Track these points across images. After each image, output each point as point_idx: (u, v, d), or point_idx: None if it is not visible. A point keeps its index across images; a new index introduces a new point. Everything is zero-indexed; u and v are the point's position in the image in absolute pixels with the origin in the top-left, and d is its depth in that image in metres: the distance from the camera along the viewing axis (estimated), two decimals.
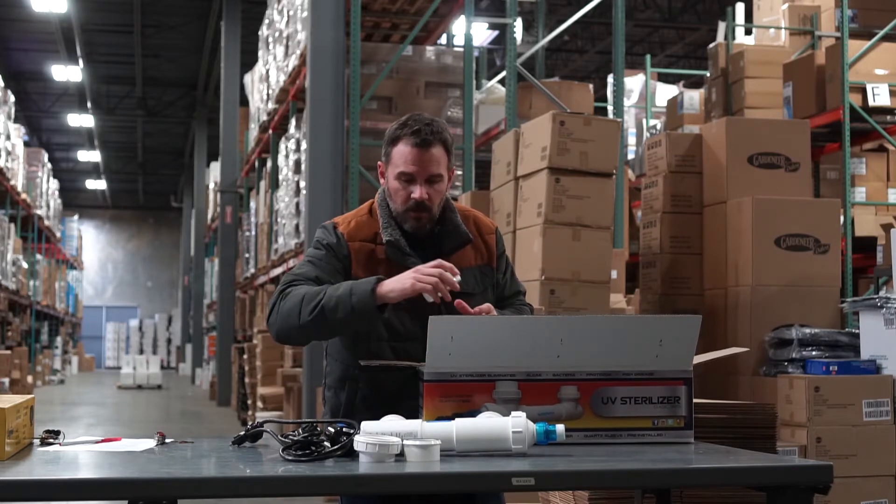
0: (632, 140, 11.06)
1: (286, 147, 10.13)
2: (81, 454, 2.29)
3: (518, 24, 8.54)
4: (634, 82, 11.58)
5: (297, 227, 9.36)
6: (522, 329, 2.49)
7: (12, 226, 16.72)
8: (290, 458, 2.15)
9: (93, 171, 31.39)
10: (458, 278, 2.46)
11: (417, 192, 2.72)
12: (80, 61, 19.73)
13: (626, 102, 10.99)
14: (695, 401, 2.56)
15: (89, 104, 22.81)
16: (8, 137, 15.56)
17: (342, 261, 2.75)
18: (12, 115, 16.26)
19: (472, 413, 2.37)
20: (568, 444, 2.32)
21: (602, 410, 2.44)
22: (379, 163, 2.86)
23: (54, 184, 23.71)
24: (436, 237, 2.80)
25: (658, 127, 10.74)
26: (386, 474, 2.08)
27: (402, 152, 2.75)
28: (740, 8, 10.12)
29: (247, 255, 14.68)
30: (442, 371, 2.40)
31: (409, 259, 2.74)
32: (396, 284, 2.55)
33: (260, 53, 12.62)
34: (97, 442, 2.44)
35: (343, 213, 8.71)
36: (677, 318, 2.61)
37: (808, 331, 4.77)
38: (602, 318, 2.73)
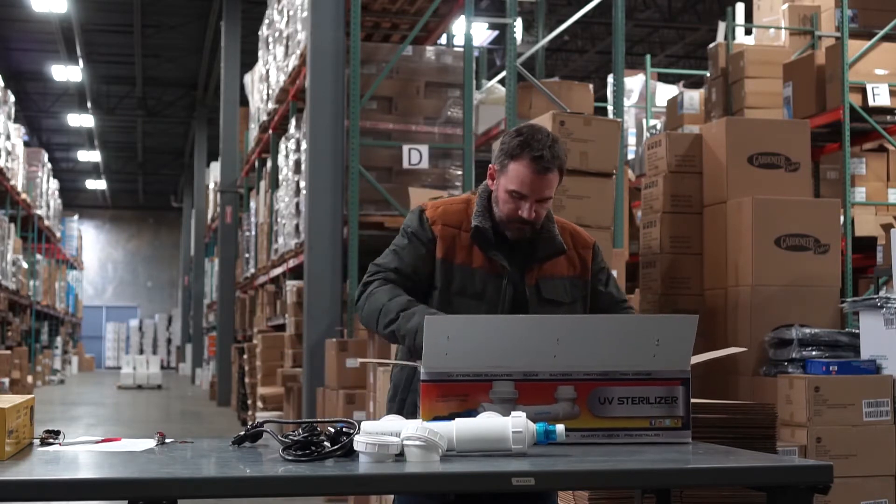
0: (632, 140, 11.06)
1: (286, 147, 10.13)
2: (81, 454, 2.29)
3: (518, 24, 8.53)
4: (634, 82, 11.58)
5: (297, 227, 9.36)
6: (519, 328, 2.48)
7: (12, 226, 16.72)
8: (290, 458, 2.15)
9: (93, 171, 31.40)
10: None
11: (526, 211, 2.78)
12: (80, 61, 19.73)
13: (626, 102, 10.99)
14: (694, 401, 2.56)
15: (89, 104, 22.81)
16: (8, 137, 15.56)
17: (426, 245, 2.84)
18: (12, 115, 16.26)
19: (470, 413, 2.37)
20: (568, 444, 2.32)
21: (599, 410, 2.43)
22: (491, 166, 2.88)
23: (54, 184, 23.71)
24: (531, 242, 2.86)
25: (658, 127, 10.74)
26: (386, 474, 2.08)
27: (519, 172, 2.77)
28: (740, 8, 10.12)
29: (247, 255, 14.68)
30: (439, 371, 2.40)
31: (492, 252, 2.81)
32: None
33: (260, 53, 12.61)
34: (97, 442, 2.44)
35: (344, 213, 8.73)
36: (674, 317, 2.61)
37: (808, 331, 4.76)
38: (599, 318, 2.72)
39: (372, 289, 2.82)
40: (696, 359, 2.60)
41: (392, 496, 3.01)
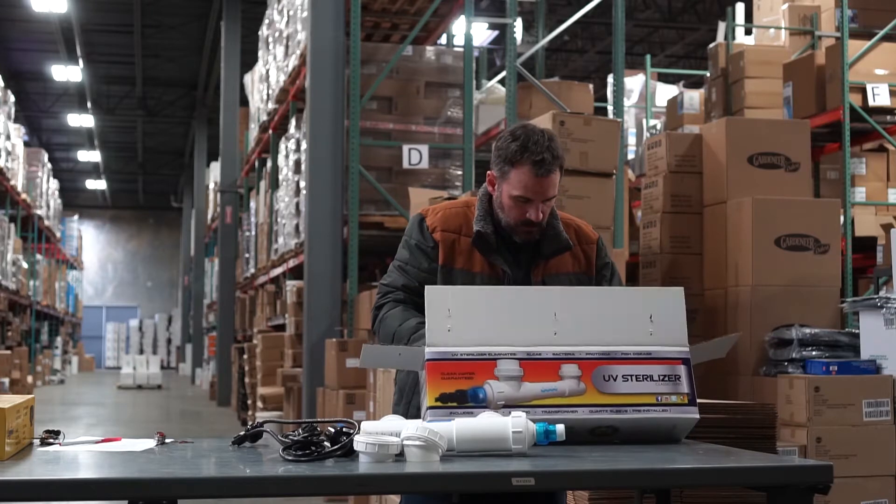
0: (632, 140, 11.05)
1: (286, 147, 10.13)
2: (81, 454, 2.29)
3: (518, 24, 8.53)
4: (634, 82, 11.58)
5: (297, 227, 9.36)
6: (517, 300, 2.50)
7: (12, 226, 16.72)
8: (290, 458, 2.15)
9: (93, 171, 31.40)
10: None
11: (534, 214, 2.78)
12: (80, 61, 19.74)
13: (626, 102, 10.99)
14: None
15: (89, 104, 22.81)
16: (8, 137, 15.56)
17: (429, 253, 2.84)
18: (12, 115, 16.26)
19: (476, 389, 2.36)
20: (568, 444, 2.32)
21: (605, 387, 2.42)
22: (489, 172, 2.86)
23: (54, 184, 23.71)
24: (536, 241, 2.85)
25: (658, 127, 10.73)
26: (386, 474, 2.08)
27: (522, 178, 2.76)
28: (740, 8, 10.12)
29: (247, 255, 14.68)
30: (443, 350, 2.40)
31: (493, 256, 2.82)
32: None
33: (260, 53, 12.62)
34: (97, 442, 2.44)
35: (344, 213, 8.71)
36: (661, 290, 2.61)
37: (808, 331, 4.76)
38: (590, 290, 2.74)
39: (384, 313, 2.84)
40: (697, 347, 2.59)
41: (394, 496, 3.01)
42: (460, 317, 2.42)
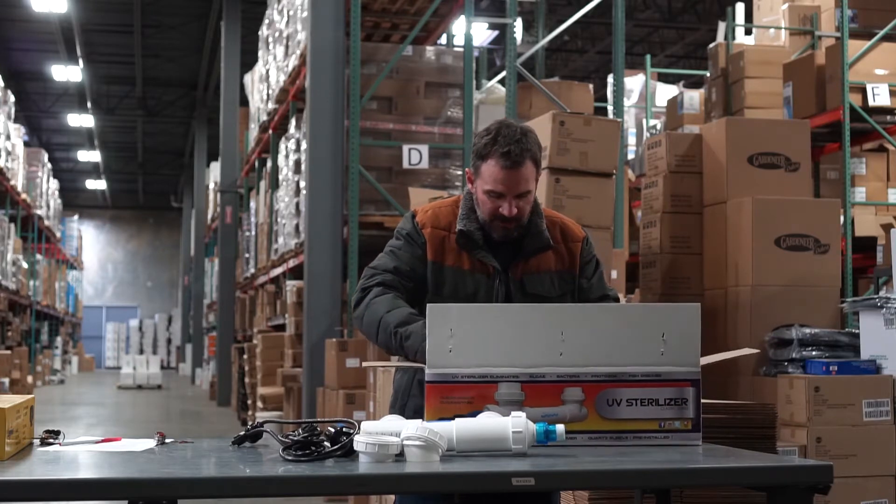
0: (632, 140, 11.05)
1: (286, 147, 10.13)
2: (81, 454, 2.29)
3: (518, 24, 8.54)
4: (634, 82, 11.58)
5: (297, 227, 9.36)
6: (523, 319, 2.45)
7: (12, 226, 16.72)
8: (290, 458, 2.15)
9: (93, 171, 31.39)
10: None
11: (506, 209, 2.75)
12: (80, 61, 19.73)
13: (626, 102, 10.99)
14: None
15: (89, 104, 22.80)
16: (8, 137, 15.56)
17: (420, 247, 2.83)
18: (12, 115, 16.25)
19: (475, 415, 2.35)
20: (569, 445, 2.32)
21: (607, 412, 2.40)
22: (467, 169, 2.87)
23: (54, 184, 23.71)
24: (517, 238, 2.83)
25: (658, 127, 10.74)
26: (386, 474, 2.08)
27: (491, 171, 2.75)
28: (740, 8, 10.12)
29: (247, 255, 14.68)
30: (443, 372, 2.38)
31: (479, 252, 2.80)
32: None
33: (260, 53, 12.62)
34: (97, 442, 2.44)
35: (344, 213, 8.70)
36: (676, 306, 2.56)
37: (808, 331, 4.76)
38: (602, 308, 2.69)
39: (371, 298, 2.76)
40: (707, 360, 2.57)
41: (392, 496, 3.01)
42: (463, 336, 2.38)
